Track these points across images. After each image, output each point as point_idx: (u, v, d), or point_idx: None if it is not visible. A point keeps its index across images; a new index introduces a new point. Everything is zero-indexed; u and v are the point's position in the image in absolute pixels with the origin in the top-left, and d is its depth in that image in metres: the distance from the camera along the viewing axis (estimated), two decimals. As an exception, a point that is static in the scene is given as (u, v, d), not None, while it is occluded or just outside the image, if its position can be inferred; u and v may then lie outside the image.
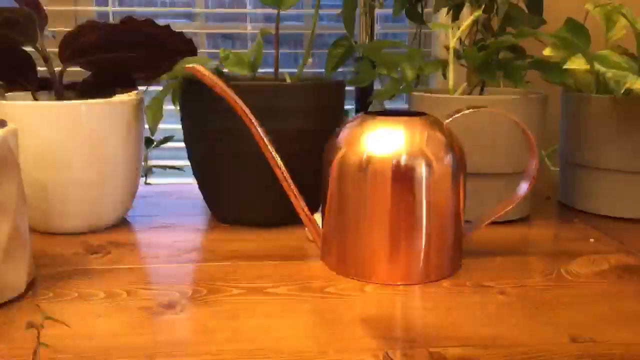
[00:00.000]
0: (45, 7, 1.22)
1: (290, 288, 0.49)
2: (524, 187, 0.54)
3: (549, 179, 0.87)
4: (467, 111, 0.52)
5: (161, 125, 1.30)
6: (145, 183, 1.30)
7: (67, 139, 0.58)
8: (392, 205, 0.48)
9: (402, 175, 0.48)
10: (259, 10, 1.32)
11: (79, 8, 1.31)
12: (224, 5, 1.35)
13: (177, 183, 1.33)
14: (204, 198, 0.68)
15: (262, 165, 0.61)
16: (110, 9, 1.32)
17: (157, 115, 0.58)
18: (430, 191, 0.48)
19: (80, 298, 0.47)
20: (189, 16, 1.33)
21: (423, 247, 0.49)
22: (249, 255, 0.56)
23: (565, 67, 0.66)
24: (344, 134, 0.51)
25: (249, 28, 1.36)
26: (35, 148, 0.58)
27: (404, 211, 0.48)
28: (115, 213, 0.64)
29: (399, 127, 0.49)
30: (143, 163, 1.28)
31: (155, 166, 1.31)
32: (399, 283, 0.49)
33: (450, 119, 0.52)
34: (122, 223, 0.66)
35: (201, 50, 1.33)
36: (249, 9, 1.34)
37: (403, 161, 0.48)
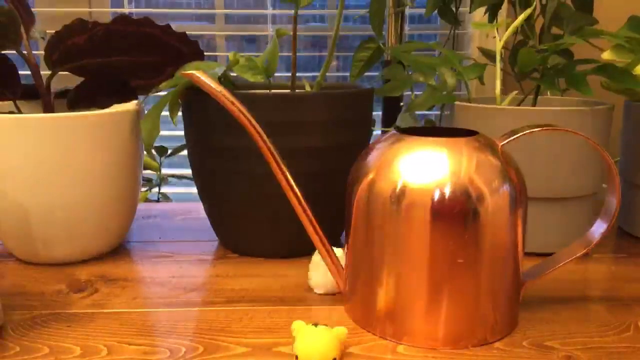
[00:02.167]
0: (58, 9, 1.16)
1: (305, 346, 0.40)
2: (600, 228, 0.44)
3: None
4: (530, 130, 0.42)
5: (176, 132, 1.24)
6: (159, 193, 1.23)
7: (53, 157, 0.50)
8: (432, 248, 0.38)
9: (446, 211, 0.38)
10: (283, 11, 1.24)
11: (94, 10, 1.25)
12: (245, 7, 1.27)
13: (189, 192, 1.27)
14: (211, 223, 0.59)
15: (276, 189, 0.53)
16: (126, 10, 1.26)
17: (153, 130, 0.49)
18: (481, 231, 0.38)
19: (51, 355, 0.39)
20: (208, 18, 1.26)
21: (471, 300, 0.39)
22: (259, 296, 0.48)
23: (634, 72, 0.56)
24: (372, 157, 0.42)
25: (270, 30, 1.28)
26: (17, 167, 0.50)
27: (447, 255, 0.38)
28: (109, 240, 0.56)
29: (441, 150, 0.39)
30: (157, 173, 1.22)
31: (170, 175, 1.24)
32: (440, 347, 0.40)
33: (509, 139, 0.42)
34: (117, 251, 0.58)
35: (220, 53, 1.26)
36: (269, 10, 1.26)
37: (447, 193, 0.38)
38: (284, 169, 0.43)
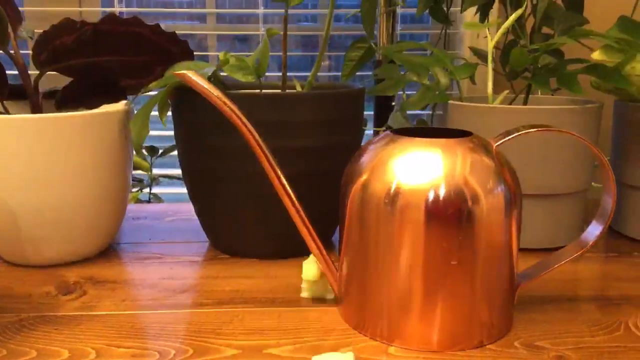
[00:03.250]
0: (48, 8, 1.16)
1: (296, 347, 0.40)
2: (596, 230, 0.44)
3: (599, 200, 0.77)
4: (526, 131, 0.41)
5: (166, 133, 1.23)
6: (150, 193, 1.22)
7: (42, 158, 0.50)
8: (426, 249, 0.38)
9: (440, 212, 0.37)
10: (275, 11, 1.24)
11: (84, 9, 1.24)
12: (236, 6, 1.27)
13: (180, 193, 1.26)
14: (201, 224, 0.59)
15: (267, 189, 0.53)
16: (117, 9, 1.25)
17: (142, 131, 0.49)
18: (476, 232, 0.38)
19: (39, 358, 0.38)
20: (200, 18, 1.26)
21: (466, 303, 0.39)
22: (249, 297, 0.47)
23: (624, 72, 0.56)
24: (366, 158, 0.41)
25: (262, 29, 1.28)
26: (4, 168, 0.49)
27: (442, 257, 0.38)
28: (98, 242, 0.56)
29: (435, 151, 0.39)
30: (147, 173, 1.22)
31: (161, 176, 1.23)
32: (434, 350, 0.39)
33: (504, 140, 0.41)
34: (107, 253, 0.57)
35: (211, 53, 1.25)
36: (261, 9, 1.26)
37: (441, 194, 0.37)
38: (277, 169, 0.43)
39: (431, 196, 0.37)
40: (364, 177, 0.40)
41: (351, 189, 0.41)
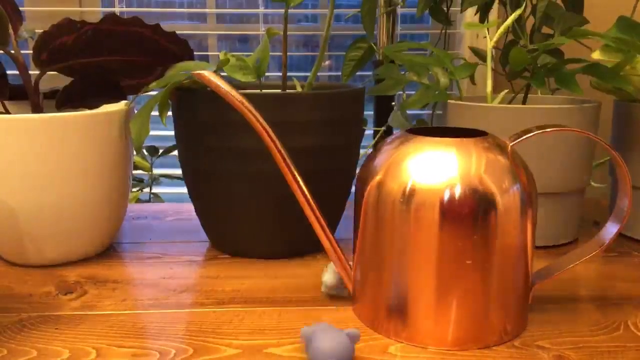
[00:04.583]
0: (49, 8, 1.15)
1: (296, 347, 0.40)
2: (612, 229, 0.43)
3: (595, 199, 0.77)
4: (542, 131, 0.41)
5: (166, 133, 1.23)
6: (151, 193, 1.22)
7: (42, 158, 0.50)
8: (440, 248, 0.38)
9: (455, 211, 0.37)
10: (275, 11, 1.23)
11: (84, 9, 1.24)
12: (237, 6, 1.27)
13: (180, 193, 1.26)
14: (201, 224, 0.59)
15: (267, 189, 0.53)
16: (117, 9, 1.25)
17: (142, 131, 0.49)
18: (491, 231, 0.38)
19: (39, 358, 0.38)
20: (200, 18, 1.26)
21: (480, 302, 0.39)
22: (250, 297, 0.47)
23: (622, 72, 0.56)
24: (381, 157, 0.41)
25: (262, 29, 1.28)
26: (5, 168, 0.49)
27: (456, 256, 0.38)
28: (99, 241, 0.56)
29: (450, 150, 0.39)
30: (148, 173, 1.22)
31: (161, 175, 1.23)
32: (448, 348, 0.39)
33: (519, 139, 0.41)
34: (107, 252, 0.57)
35: (211, 53, 1.25)
36: (262, 9, 1.26)
37: (457, 193, 0.37)
38: (293, 168, 0.43)
39: (446, 195, 0.37)
40: (379, 176, 0.40)
41: (366, 188, 0.41)
